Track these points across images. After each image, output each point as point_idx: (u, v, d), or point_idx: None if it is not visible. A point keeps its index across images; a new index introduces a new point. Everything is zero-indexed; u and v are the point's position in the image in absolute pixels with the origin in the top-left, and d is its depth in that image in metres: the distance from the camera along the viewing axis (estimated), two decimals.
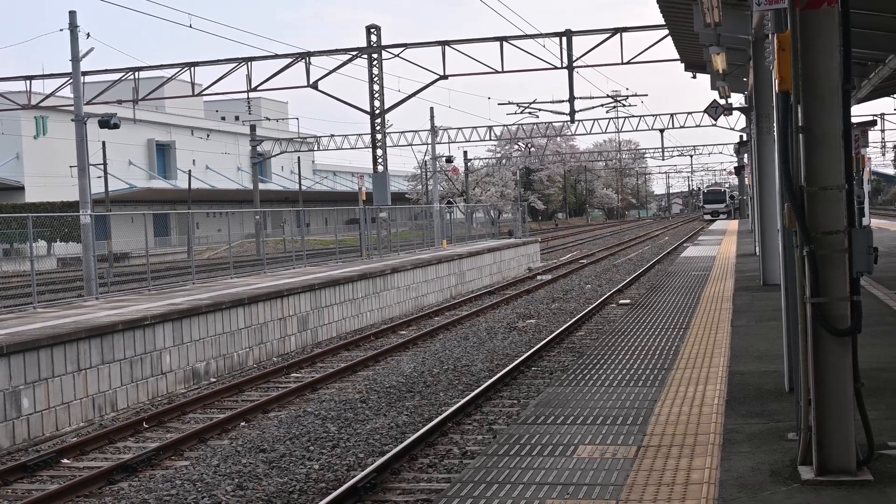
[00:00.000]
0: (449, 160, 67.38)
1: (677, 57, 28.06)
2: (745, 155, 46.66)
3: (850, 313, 5.98)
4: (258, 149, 62.61)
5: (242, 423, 13.59)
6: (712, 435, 7.38)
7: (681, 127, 68.31)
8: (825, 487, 5.87)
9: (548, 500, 6.05)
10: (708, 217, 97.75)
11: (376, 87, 39.12)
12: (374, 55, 38.90)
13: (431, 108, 62.67)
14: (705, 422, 7.82)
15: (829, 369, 6.00)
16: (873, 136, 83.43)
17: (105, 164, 52.50)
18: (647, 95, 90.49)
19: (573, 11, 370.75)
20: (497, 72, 38.35)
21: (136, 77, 41.57)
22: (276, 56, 39.87)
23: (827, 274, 5.97)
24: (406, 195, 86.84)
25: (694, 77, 30.37)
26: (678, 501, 5.84)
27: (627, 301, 24.96)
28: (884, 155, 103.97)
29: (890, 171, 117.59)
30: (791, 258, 6.64)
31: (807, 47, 5.96)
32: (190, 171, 65.82)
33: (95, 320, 15.45)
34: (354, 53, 39.38)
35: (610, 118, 66.32)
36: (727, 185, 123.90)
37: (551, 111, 53.19)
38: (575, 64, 37.96)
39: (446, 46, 38.24)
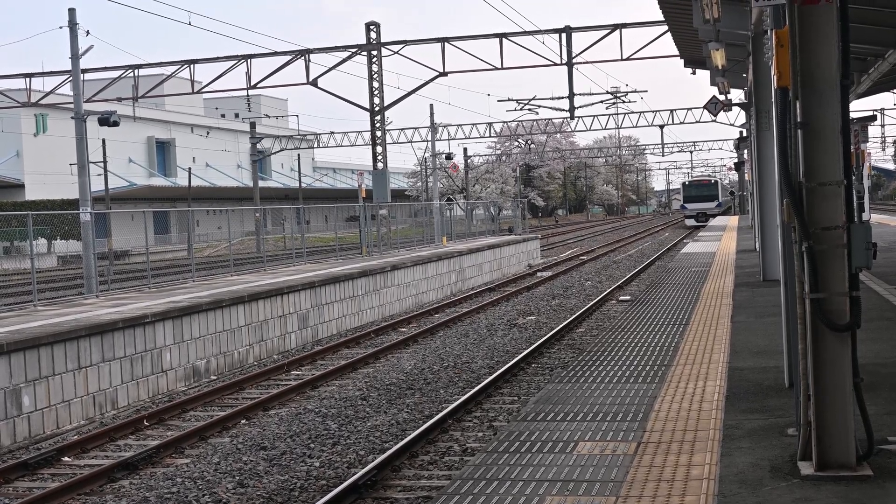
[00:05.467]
0: (449, 157, 67.39)
1: (677, 53, 28.05)
2: (745, 150, 46.67)
3: (848, 309, 5.98)
4: (258, 146, 62.58)
5: (243, 421, 13.59)
6: (712, 431, 7.38)
7: (681, 123, 68.32)
8: (825, 482, 5.87)
9: (548, 496, 6.05)
10: (692, 223, 69.73)
11: (376, 84, 39.11)
12: (374, 52, 38.88)
13: (431, 105, 62.67)
14: (705, 418, 7.82)
15: (828, 365, 6.00)
16: (873, 131, 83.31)
17: (105, 161, 52.49)
18: (646, 91, 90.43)
19: (572, 8, 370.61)
20: (497, 68, 38.35)
21: (136, 74, 41.56)
22: (276, 53, 39.87)
23: (826, 269, 5.97)
24: (406, 192, 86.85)
25: (693, 73, 30.37)
26: (678, 497, 5.84)
27: (627, 297, 24.97)
28: (884, 150, 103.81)
29: (890, 166, 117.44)
30: (790, 254, 6.64)
31: (805, 43, 5.95)
32: (190, 168, 65.82)
33: (96, 318, 15.45)
34: (354, 50, 39.36)
35: (610, 114, 66.41)
36: (727, 181, 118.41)
37: (551, 108, 53.07)
38: (574, 60, 37.94)
39: (446, 43, 38.22)
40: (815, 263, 5.97)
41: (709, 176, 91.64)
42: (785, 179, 6.09)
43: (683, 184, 77.77)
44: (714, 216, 67.04)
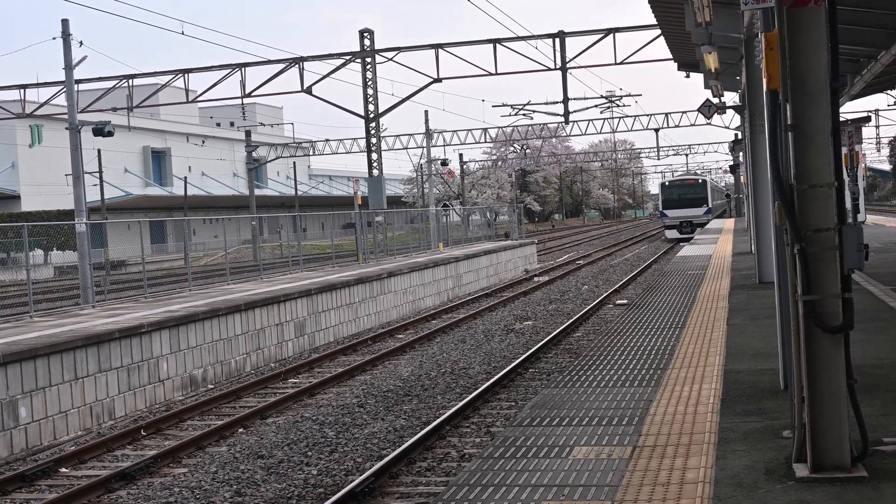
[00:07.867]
0: (444, 163, 67.42)
1: (670, 56, 28.09)
2: (740, 153, 46.71)
3: (841, 310, 5.99)
4: (253, 154, 62.58)
5: (240, 430, 13.58)
6: (707, 434, 7.38)
7: (675, 126, 68.30)
8: (820, 484, 5.88)
9: (544, 501, 6.06)
10: (674, 235, 54.12)
11: (370, 91, 39.15)
12: (368, 59, 38.92)
13: (426, 111, 62.56)
14: (700, 421, 7.83)
15: (821, 366, 6.01)
16: (867, 132, 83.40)
17: (101, 171, 52.44)
18: (641, 95, 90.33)
19: (565, 13, 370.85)
20: (491, 74, 38.38)
21: (130, 84, 41.59)
22: (270, 61, 39.88)
23: (818, 271, 5.98)
24: (402, 198, 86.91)
25: (687, 76, 30.43)
26: (673, 501, 5.84)
27: (624, 301, 24.98)
28: (878, 151, 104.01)
29: (885, 167, 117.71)
30: (783, 256, 6.65)
31: (794, 45, 5.97)
32: (186, 177, 65.81)
33: (92, 328, 15.44)
34: (348, 58, 39.40)
35: (604, 118, 66.28)
36: (722, 184, 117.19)
37: (546, 112, 53.10)
38: (568, 65, 38.00)
39: (439, 49, 38.26)
40: (808, 265, 5.98)
41: (695, 175, 73.69)
42: (776, 182, 6.10)
43: (662, 184, 58.84)
44: (703, 225, 52.94)
